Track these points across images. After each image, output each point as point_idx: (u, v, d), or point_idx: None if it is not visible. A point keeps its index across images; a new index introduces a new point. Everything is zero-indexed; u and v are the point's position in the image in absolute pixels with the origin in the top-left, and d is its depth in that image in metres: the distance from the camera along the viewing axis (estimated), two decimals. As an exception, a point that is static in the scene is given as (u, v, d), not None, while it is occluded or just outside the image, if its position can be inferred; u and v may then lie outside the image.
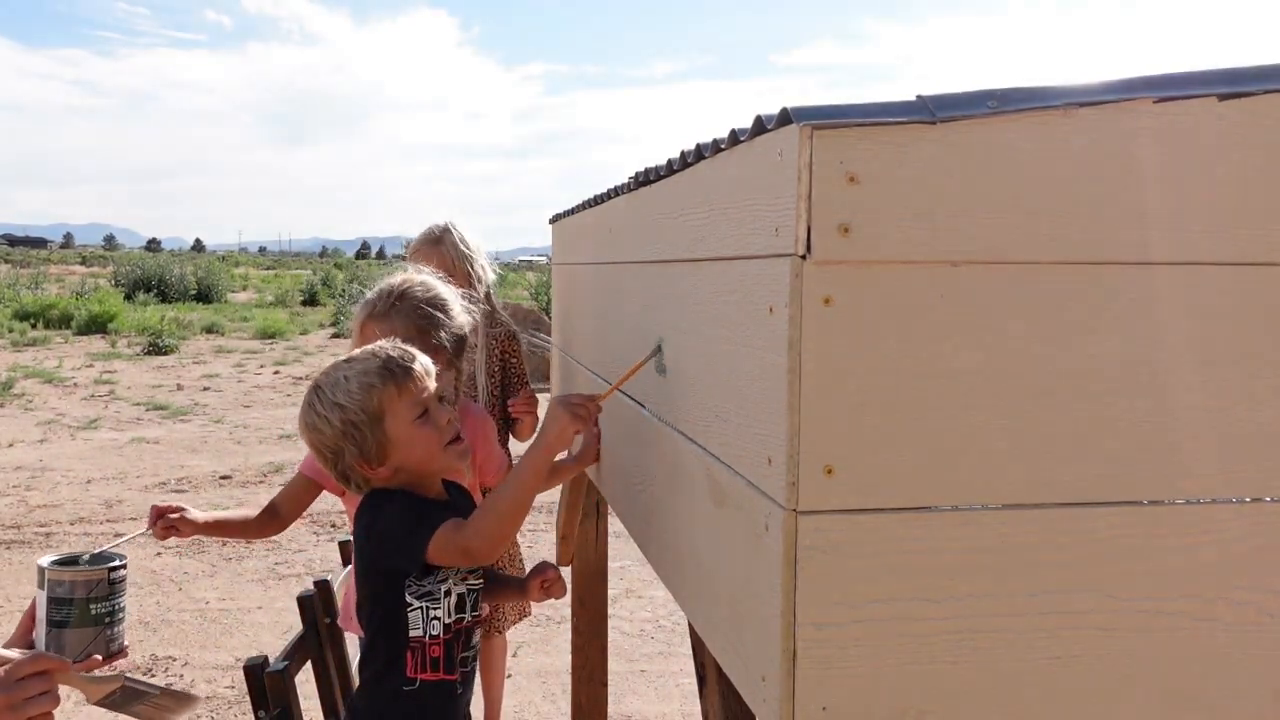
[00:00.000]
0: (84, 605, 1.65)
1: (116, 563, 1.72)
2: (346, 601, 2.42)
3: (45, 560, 1.70)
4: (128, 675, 1.61)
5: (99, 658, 1.64)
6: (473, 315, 2.35)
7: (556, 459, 1.94)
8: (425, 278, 2.30)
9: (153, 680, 1.64)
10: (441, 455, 1.87)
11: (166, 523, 2.21)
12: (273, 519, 2.40)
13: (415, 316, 2.18)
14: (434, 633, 1.84)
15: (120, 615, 1.71)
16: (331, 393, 1.83)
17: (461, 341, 2.28)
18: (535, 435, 1.83)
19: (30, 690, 1.37)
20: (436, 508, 1.86)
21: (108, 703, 1.57)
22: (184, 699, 1.70)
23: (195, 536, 2.30)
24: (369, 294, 2.25)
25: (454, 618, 1.87)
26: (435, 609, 1.84)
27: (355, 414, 1.81)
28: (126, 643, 1.74)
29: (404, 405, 1.83)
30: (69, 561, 1.72)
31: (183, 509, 2.24)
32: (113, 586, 1.69)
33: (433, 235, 3.18)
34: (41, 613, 1.66)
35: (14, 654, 1.45)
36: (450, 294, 2.29)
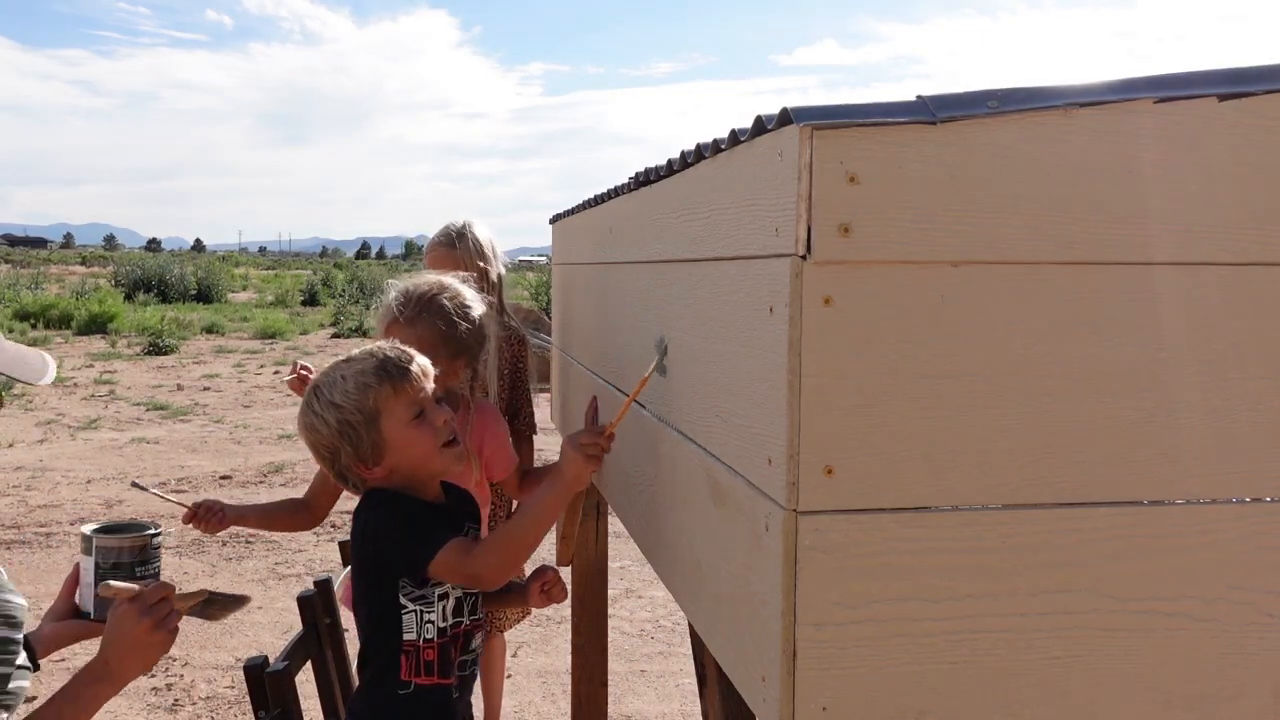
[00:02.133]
0: (129, 569, 1.86)
1: (153, 531, 1.92)
2: (346, 594, 2.43)
3: (89, 528, 1.90)
4: (210, 590, 1.86)
5: None
6: (490, 319, 2.39)
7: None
8: (451, 282, 2.34)
9: (219, 591, 2.00)
10: (438, 456, 1.86)
11: (208, 524, 2.42)
12: (309, 513, 2.58)
13: (441, 322, 2.23)
14: (428, 636, 1.83)
15: (158, 578, 1.89)
16: (329, 392, 1.84)
17: (481, 345, 2.33)
18: (551, 474, 1.82)
19: (164, 610, 1.65)
20: (435, 513, 1.86)
21: (194, 612, 1.83)
22: (238, 600, 1.99)
23: (198, 536, 2.38)
24: (394, 295, 2.27)
25: (450, 621, 1.86)
26: (430, 612, 1.83)
27: (351, 414, 1.81)
28: None
29: (400, 406, 1.83)
30: (111, 530, 1.92)
31: (222, 508, 2.44)
32: (154, 551, 1.91)
33: (450, 236, 3.18)
34: (89, 577, 1.86)
35: (134, 587, 1.67)
36: (474, 299, 2.34)
